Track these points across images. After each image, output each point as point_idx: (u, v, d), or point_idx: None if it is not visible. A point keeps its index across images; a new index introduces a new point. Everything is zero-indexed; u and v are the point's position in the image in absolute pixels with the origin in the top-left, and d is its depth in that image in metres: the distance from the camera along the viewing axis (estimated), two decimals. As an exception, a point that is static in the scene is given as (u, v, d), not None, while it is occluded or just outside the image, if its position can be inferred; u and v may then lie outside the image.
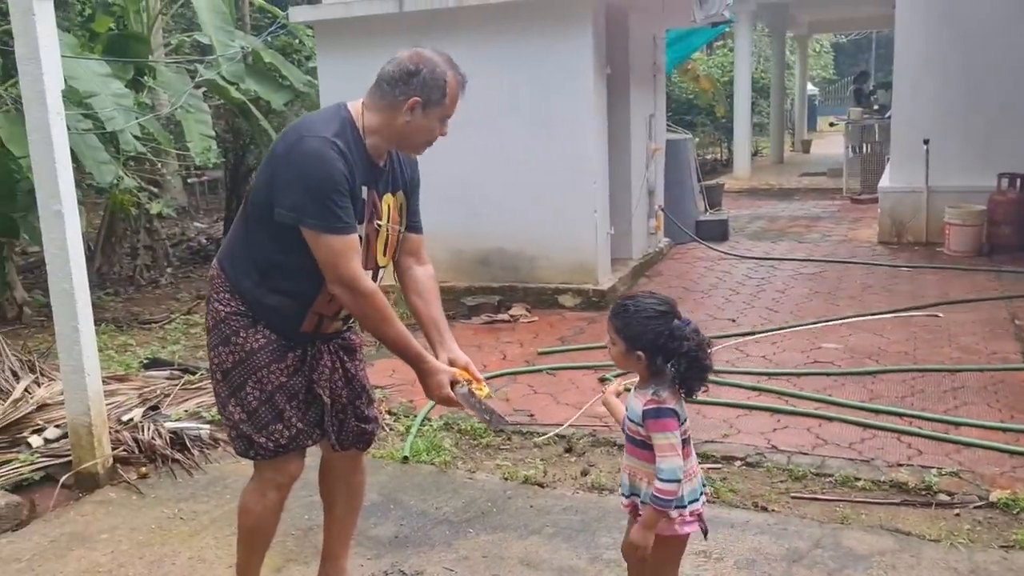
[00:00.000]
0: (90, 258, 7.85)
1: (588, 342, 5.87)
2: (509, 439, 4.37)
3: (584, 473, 3.93)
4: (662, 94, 9.25)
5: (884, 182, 9.42)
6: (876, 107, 15.61)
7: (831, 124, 26.33)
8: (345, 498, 2.88)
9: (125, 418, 4.36)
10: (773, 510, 3.53)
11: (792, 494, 3.66)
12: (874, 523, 3.40)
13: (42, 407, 4.35)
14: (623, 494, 2.50)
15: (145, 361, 5.67)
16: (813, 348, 5.63)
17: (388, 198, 2.59)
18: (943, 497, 3.55)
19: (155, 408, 4.58)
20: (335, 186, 2.35)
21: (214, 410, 4.34)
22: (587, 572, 3.14)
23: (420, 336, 2.62)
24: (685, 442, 2.36)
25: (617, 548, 2.83)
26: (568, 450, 4.21)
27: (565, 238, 6.90)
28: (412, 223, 2.73)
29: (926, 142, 8.61)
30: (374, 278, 2.60)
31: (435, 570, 3.19)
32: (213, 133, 8.02)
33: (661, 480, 2.29)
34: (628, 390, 2.50)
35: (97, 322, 4.45)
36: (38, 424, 4.24)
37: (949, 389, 4.79)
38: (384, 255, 2.63)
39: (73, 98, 6.36)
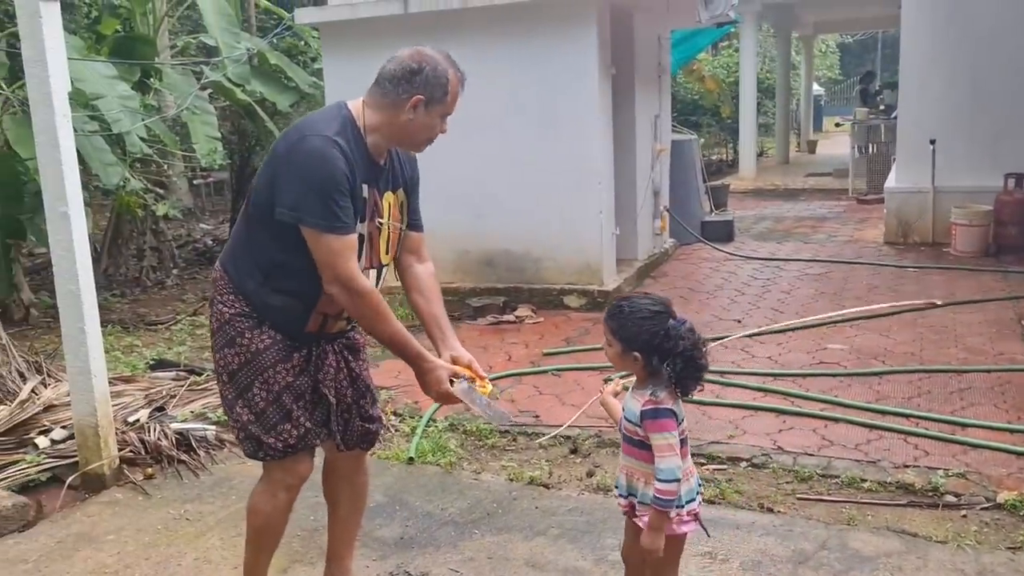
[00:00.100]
0: (96, 260, 7.88)
1: (593, 343, 5.86)
2: (515, 440, 4.37)
3: (590, 474, 3.92)
4: (667, 95, 9.24)
5: (890, 182, 9.40)
6: (882, 107, 15.59)
7: (837, 124, 26.33)
8: (349, 499, 2.88)
9: (131, 419, 4.37)
10: (779, 511, 3.53)
11: (798, 495, 3.66)
12: (880, 524, 3.39)
13: (49, 408, 4.36)
14: (620, 494, 2.51)
15: (151, 362, 5.68)
16: (819, 349, 5.62)
17: (389, 196, 2.59)
18: (950, 498, 3.54)
19: (161, 409, 4.59)
20: (336, 185, 2.35)
21: (220, 411, 4.36)
22: (592, 573, 3.14)
23: (422, 337, 2.62)
24: (683, 442, 2.37)
25: (622, 549, 2.83)
26: (573, 451, 4.21)
27: (570, 239, 6.90)
28: (412, 221, 2.73)
29: (932, 142, 8.59)
30: (378, 276, 2.61)
31: (441, 571, 3.19)
32: (219, 134, 8.03)
33: (661, 480, 2.29)
34: (627, 389, 2.50)
35: (103, 323, 4.46)
36: (45, 425, 4.25)
37: (956, 390, 4.77)
38: (387, 253, 2.63)
39: (80, 100, 6.38)
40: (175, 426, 4.35)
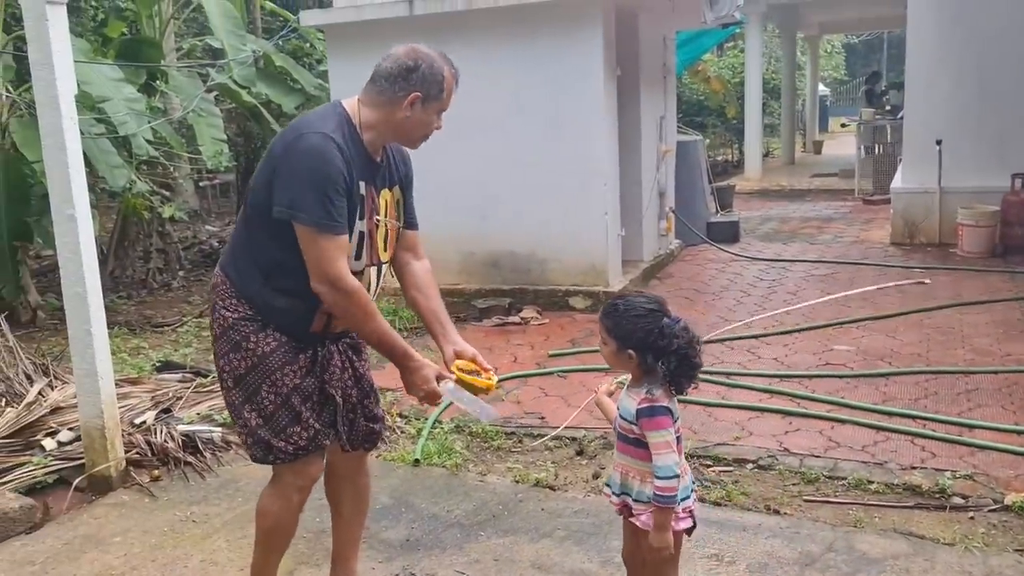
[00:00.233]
0: (103, 262, 7.90)
1: (599, 344, 5.85)
2: (520, 442, 4.37)
3: (595, 476, 3.92)
4: (672, 95, 9.23)
5: (896, 183, 9.37)
6: (888, 107, 15.53)
7: (843, 125, 26.26)
8: (352, 500, 2.88)
9: (138, 421, 4.38)
10: (785, 513, 3.52)
11: (804, 497, 3.65)
12: (887, 526, 3.38)
13: (55, 410, 4.37)
14: (613, 492, 2.51)
15: (157, 364, 5.69)
16: (825, 350, 5.61)
17: (385, 193, 2.61)
18: (957, 500, 3.53)
19: (167, 411, 4.59)
20: (333, 183, 2.36)
21: (226, 413, 4.35)
22: (599, 575, 3.14)
23: (422, 337, 2.63)
24: (677, 440, 2.39)
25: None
26: (579, 452, 4.20)
27: (575, 240, 6.90)
28: (408, 219, 2.74)
29: (939, 142, 8.56)
30: (378, 273, 2.63)
31: (446, 573, 3.19)
32: (225, 137, 8.06)
33: (660, 478, 2.31)
34: (622, 386, 2.51)
35: (110, 325, 4.47)
36: (51, 427, 4.26)
37: (963, 391, 4.76)
38: (386, 250, 2.64)
39: (86, 103, 6.40)
40: (181, 428, 4.36)
